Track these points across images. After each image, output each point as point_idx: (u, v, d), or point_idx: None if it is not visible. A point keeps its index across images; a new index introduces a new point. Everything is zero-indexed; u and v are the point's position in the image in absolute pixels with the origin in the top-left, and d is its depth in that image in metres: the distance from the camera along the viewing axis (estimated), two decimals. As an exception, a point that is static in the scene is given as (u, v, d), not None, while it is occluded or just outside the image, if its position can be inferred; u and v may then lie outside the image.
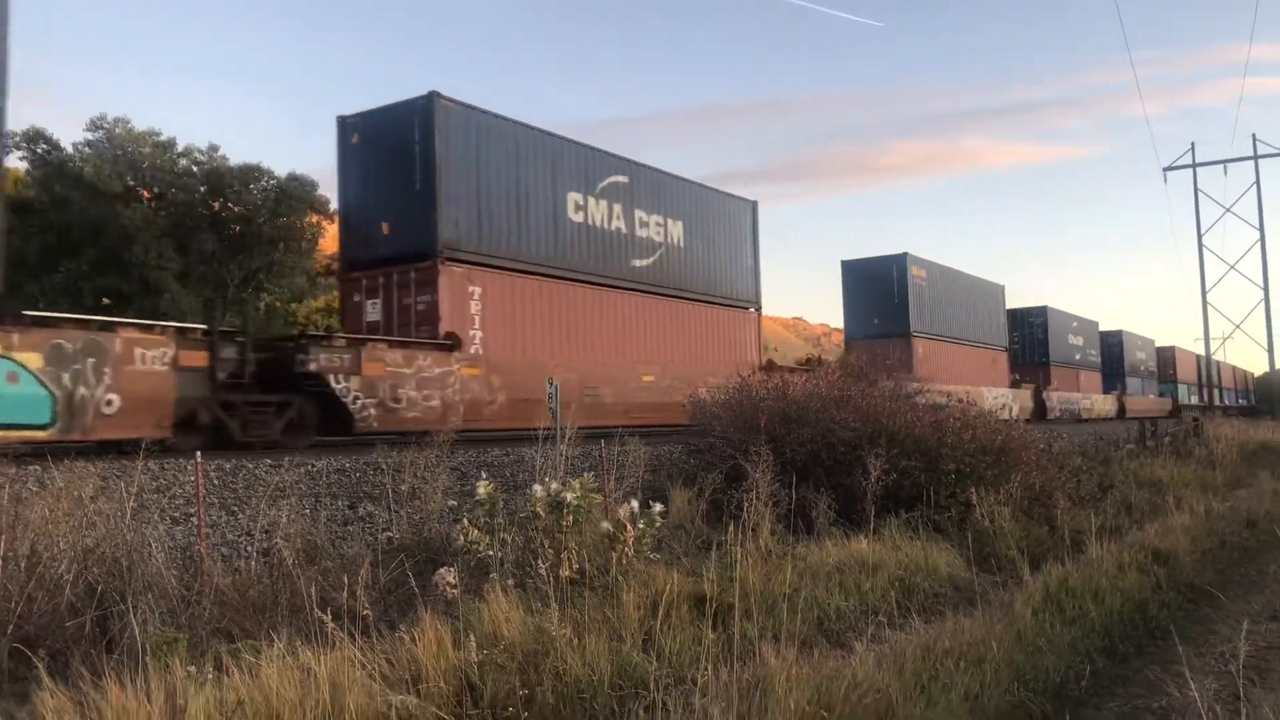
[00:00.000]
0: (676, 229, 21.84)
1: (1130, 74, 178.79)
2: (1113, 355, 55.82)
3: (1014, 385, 38.89)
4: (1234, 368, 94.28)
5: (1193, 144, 69.91)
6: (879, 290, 32.69)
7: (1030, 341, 45.79)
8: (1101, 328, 55.61)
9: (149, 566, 7.02)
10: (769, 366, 23.85)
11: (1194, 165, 62.65)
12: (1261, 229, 60.35)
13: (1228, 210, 62.22)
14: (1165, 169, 64.19)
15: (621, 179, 20.33)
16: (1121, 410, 49.64)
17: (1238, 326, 65.80)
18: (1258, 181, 60.46)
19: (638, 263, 20.58)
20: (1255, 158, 60.52)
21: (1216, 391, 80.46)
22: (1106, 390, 52.28)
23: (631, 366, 19.66)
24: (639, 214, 20.70)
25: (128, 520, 7.44)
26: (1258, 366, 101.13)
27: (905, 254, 32.65)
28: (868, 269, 33.58)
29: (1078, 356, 48.99)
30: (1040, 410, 40.48)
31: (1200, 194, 62.49)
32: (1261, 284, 60.28)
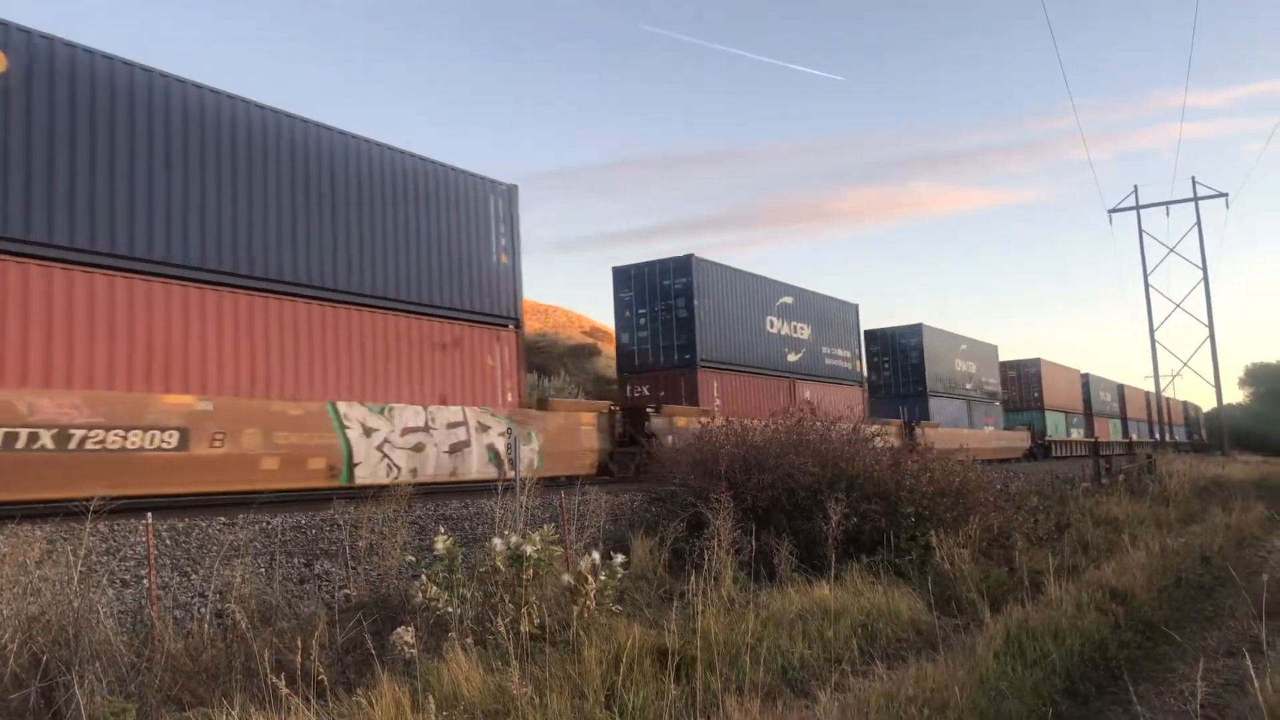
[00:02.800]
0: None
1: (1073, 119, 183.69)
2: (904, 365, 37.35)
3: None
4: (1185, 403, 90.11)
5: (1135, 186, 71.73)
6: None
7: (664, 326, 23.98)
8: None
9: (97, 633, 6.83)
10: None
11: (1138, 207, 64.38)
12: (1204, 268, 61.96)
13: (1171, 250, 63.87)
14: (1110, 211, 65.86)
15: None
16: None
17: (1185, 364, 66.88)
18: (1199, 222, 62.14)
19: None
20: (1195, 199, 62.29)
21: (1162, 428, 74.87)
22: (881, 415, 32.51)
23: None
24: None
25: (75, 586, 7.25)
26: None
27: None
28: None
29: (796, 357, 28.08)
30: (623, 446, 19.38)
31: (1144, 235, 64.12)
32: (1206, 321, 61.75)
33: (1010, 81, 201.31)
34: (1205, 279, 61.90)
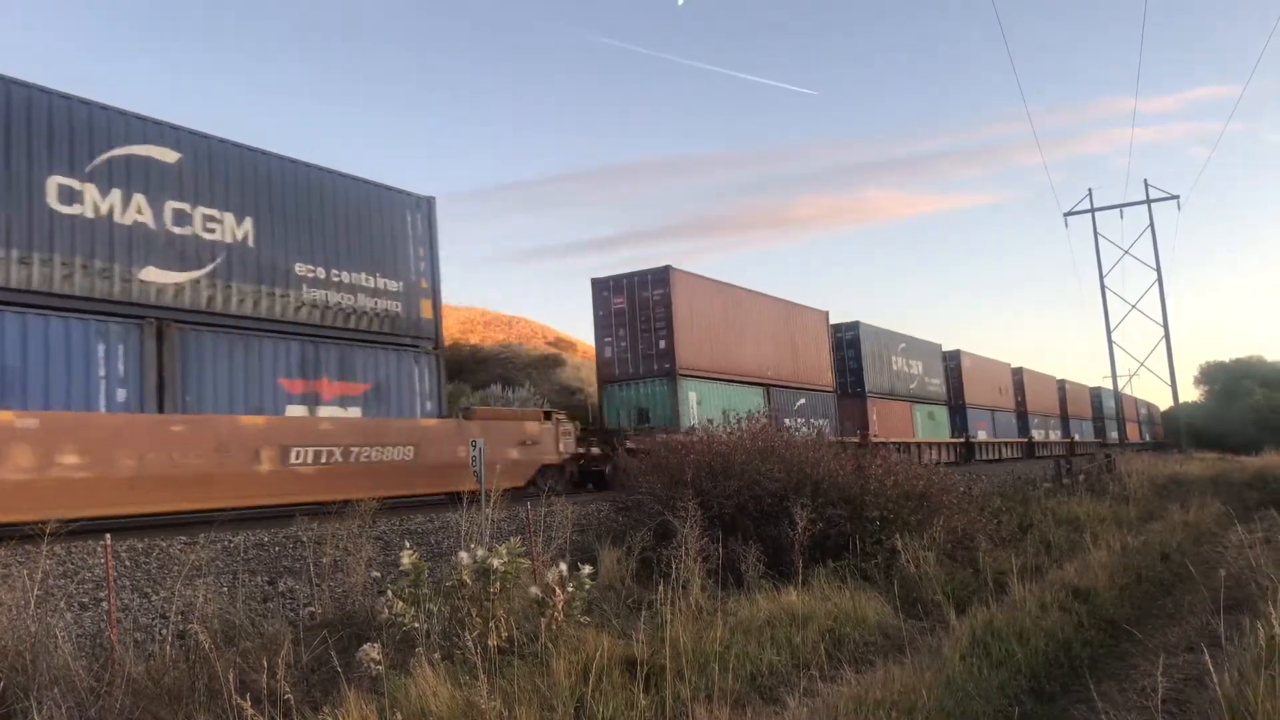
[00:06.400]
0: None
1: (1024, 125, 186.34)
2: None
3: None
4: (1093, 389, 71.02)
5: (1090, 190, 72.64)
6: None
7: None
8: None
9: (55, 658, 6.71)
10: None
11: (1093, 210, 65.34)
12: (1158, 269, 63.01)
13: (1126, 252, 64.97)
14: (1066, 214, 66.69)
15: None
16: None
17: (1142, 364, 67.80)
18: (1151, 224, 63.20)
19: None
20: (1148, 201, 63.33)
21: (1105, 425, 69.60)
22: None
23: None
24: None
25: (31, 610, 7.11)
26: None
27: None
28: None
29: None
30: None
31: (1100, 237, 65.10)
32: (1162, 321, 62.77)
33: (961, 88, 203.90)
34: (1159, 280, 62.94)
